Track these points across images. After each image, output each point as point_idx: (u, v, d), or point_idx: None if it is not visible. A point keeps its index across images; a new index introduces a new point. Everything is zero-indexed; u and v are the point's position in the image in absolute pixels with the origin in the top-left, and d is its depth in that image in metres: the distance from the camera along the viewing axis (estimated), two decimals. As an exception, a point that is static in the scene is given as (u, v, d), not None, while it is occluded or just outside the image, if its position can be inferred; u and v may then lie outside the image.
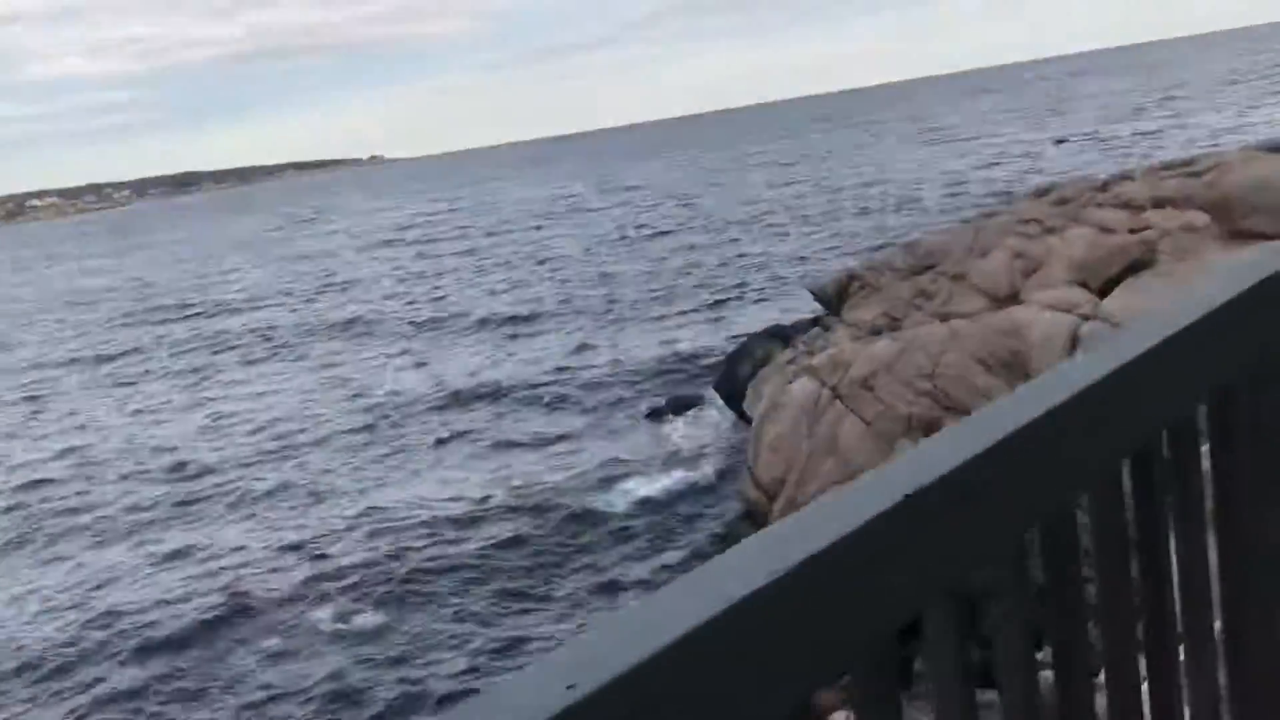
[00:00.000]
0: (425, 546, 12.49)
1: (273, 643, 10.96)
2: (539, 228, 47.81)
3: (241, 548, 13.54)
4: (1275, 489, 1.48)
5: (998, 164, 42.78)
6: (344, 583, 11.94)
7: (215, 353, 27.67)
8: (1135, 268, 11.00)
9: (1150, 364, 1.20)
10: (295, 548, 13.21)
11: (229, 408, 21.35)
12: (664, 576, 10.64)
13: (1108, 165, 34.19)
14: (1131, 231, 14.22)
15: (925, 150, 55.61)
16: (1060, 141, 45.93)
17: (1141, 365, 1.19)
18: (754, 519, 10.11)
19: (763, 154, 77.22)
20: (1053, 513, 1.11)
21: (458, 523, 13.11)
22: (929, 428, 9.53)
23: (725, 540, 10.32)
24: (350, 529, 13.54)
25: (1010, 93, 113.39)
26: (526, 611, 10.54)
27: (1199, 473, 1.35)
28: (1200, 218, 13.66)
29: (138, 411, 22.19)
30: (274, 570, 12.64)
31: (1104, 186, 18.28)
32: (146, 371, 26.37)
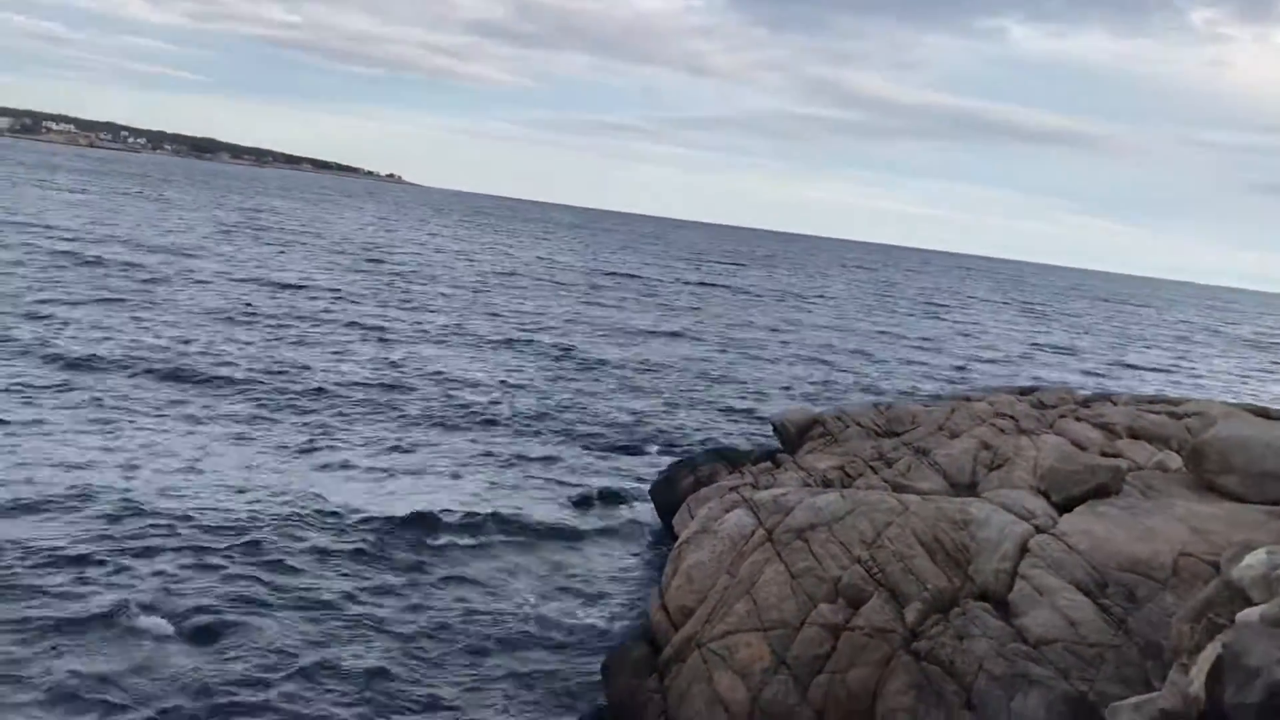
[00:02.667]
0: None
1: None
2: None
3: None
4: None
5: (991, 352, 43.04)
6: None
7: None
8: (1100, 492, 10.63)
9: None
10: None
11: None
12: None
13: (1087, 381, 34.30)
14: (1104, 454, 13.93)
15: (930, 321, 56.10)
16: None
17: None
18: (653, 643, 9.51)
19: (790, 281, 77.77)
20: None
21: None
22: (853, 601, 9.00)
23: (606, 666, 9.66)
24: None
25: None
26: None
27: None
28: (1173, 459, 13.40)
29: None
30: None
31: (1086, 403, 18.14)
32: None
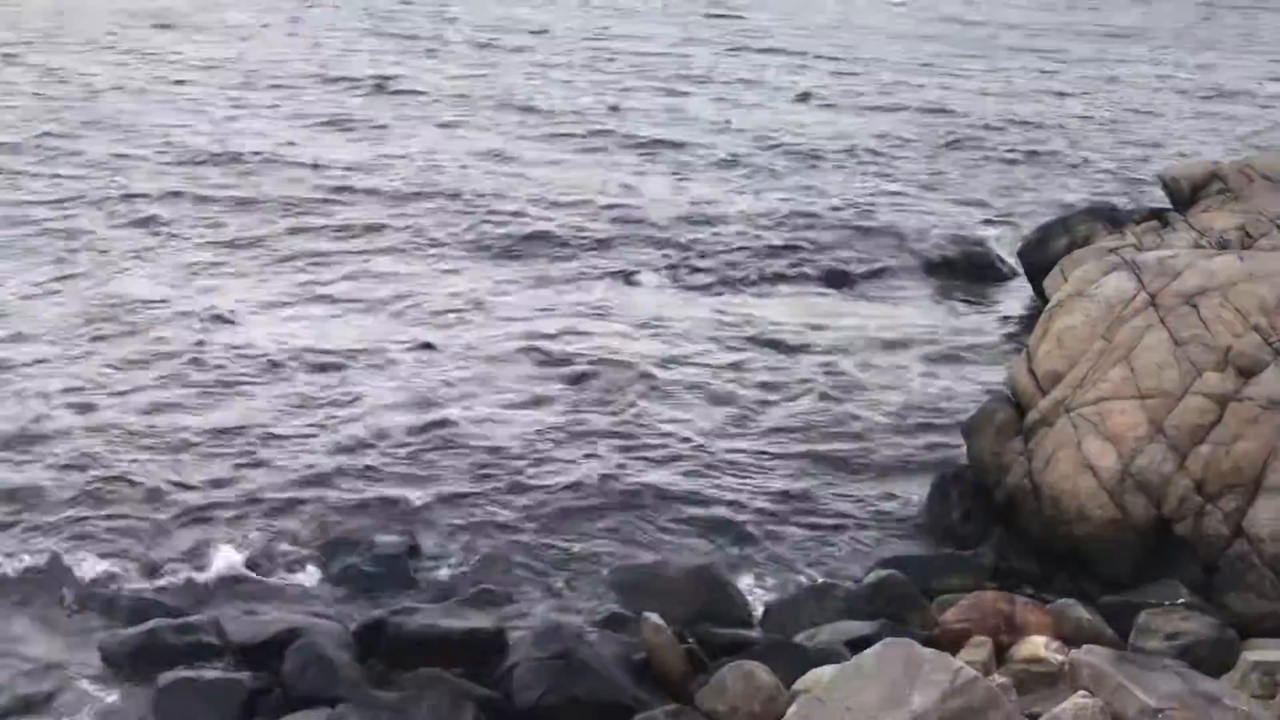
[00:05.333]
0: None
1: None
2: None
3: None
4: None
5: None
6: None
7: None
8: None
9: None
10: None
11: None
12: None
13: None
14: None
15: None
16: None
17: None
18: (1018, 407, 9.32)
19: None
20: None
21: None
22: (1246, 370, 8.33)
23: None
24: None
25: None
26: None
27: None
28: None
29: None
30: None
31: None
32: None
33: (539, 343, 12.23)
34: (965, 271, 15.54)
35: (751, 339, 12.90)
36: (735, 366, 12.19)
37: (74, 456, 9.44)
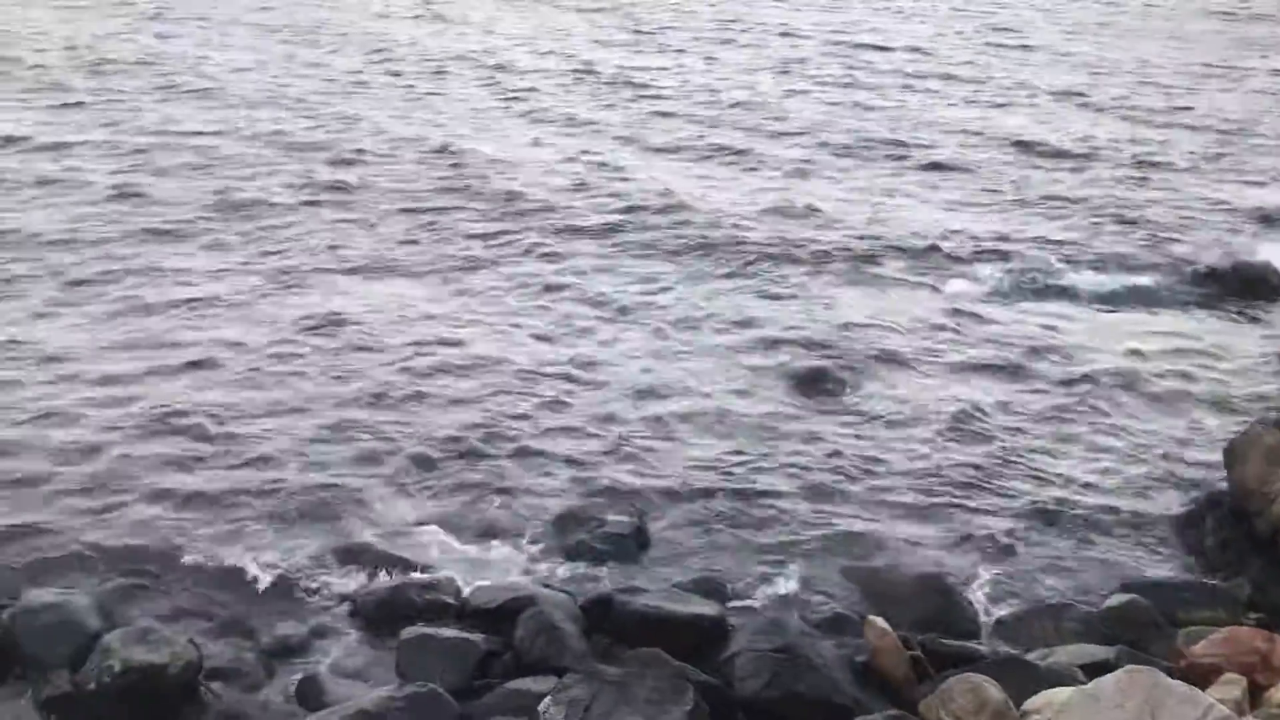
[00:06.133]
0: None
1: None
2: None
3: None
4: None
5: None
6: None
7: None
8: None
9: None
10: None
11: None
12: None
13: None
14: None
15: None
16: None
17: None
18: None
19: None
20: None
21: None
22: None
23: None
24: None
25: None
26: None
27: None
28: None
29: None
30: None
31: None
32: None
33: (781, 350, 12.18)
34: (1235, 285, 14.51)
35: (995, 342, 12.50)
36: (980, 370, 11.87)
37: (363, 441, 10.00)
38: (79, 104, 21.13)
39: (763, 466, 9.77)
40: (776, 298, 13.51)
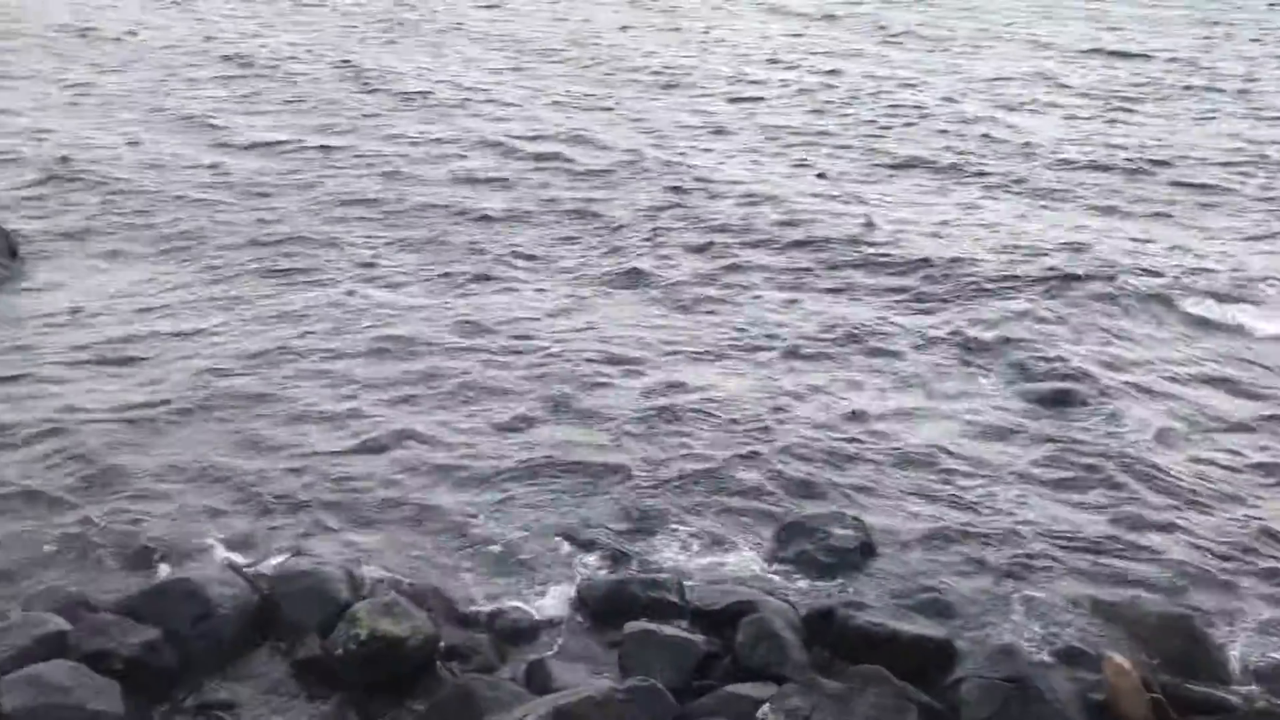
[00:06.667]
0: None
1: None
2: None
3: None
4: None
5: None
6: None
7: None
8: None
9: None
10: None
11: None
12: None
13: None
14: None
15: None
16: None
17: None
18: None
19: None
20: None
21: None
22: None
23: None
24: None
25: None
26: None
27: None
28: None
29: None
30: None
31: None
32: None
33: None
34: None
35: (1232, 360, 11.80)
36: (1217, 384, 11.23)
37: (539, 436, 10.31)
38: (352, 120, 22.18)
39: (995, 488, 9.44)
40: (1030, 319, 12.95)
